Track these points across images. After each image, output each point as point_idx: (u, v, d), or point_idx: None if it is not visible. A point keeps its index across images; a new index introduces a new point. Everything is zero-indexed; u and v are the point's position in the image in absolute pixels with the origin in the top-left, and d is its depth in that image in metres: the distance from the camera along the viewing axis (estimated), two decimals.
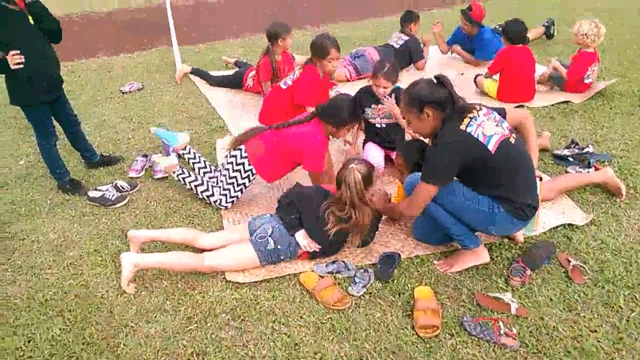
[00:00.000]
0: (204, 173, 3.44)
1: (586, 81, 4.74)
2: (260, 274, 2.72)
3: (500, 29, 5.61)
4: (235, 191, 3.26)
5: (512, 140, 2.50)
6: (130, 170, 3.77)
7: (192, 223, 3.22)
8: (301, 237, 2.77)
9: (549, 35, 6.56)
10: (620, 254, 2.81)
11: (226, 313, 2.51)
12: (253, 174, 3.24)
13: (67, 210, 3.39)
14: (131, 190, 3.54)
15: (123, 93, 5.36)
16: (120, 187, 3.51)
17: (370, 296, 2.58)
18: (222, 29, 7.64)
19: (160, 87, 5.49)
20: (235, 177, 3.23)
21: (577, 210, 3.16)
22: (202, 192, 3.29)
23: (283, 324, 2.43)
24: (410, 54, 5.55)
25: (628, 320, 2.39)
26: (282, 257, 2.75)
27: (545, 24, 6.53)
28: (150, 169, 3.82)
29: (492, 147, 2.40)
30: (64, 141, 3.91)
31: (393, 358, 2.25)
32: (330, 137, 3.26)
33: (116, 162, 3.92)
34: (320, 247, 2.78)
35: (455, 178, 2.58)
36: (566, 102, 4.68)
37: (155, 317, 2.50)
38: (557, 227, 3.02)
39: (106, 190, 3.45)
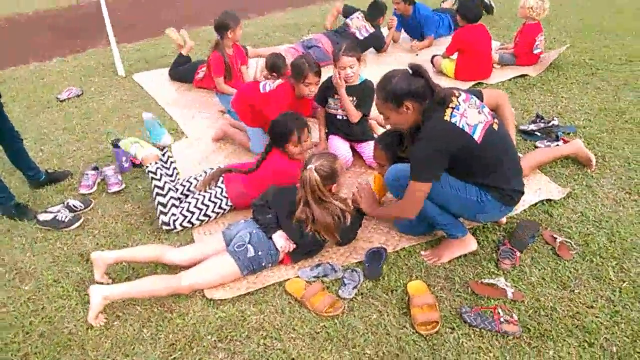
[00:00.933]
0: (169, 189, 3.05)
1: (535, 51, 4.83)
2: (242, 287, 2.54)
3: (454, 8, 5.63)
4: (197, 219, 3.01)
5: (496, 127, 2.42)
6: (81, 187, 3.45)
7: (159, 238, 2.98)
8: (279, 237, 2.61)
9: (488, 10, 6.62)
10: (601, 225, 2.81)
11: (212, 334, 2.31)
12: (227, 209, 3.11)
13: (15, 238, 3.06)
14: (85, 208, 3.24)
15: (61, 101, 4.95)
16: (73, 207, 3.20)
17: (362, 297, 2.45)
18: (161, 24, 7.23)
19: (101, 92, 5.11)
20: (208, 206, 3.03)
21: (553, 185, 3.15)
22: (158, 203, 2.97)
23: (275, 339, 2.27)
24: (374, 45, 5.56)
25: (620, 292, 2.38)
26: (263, 264, 2.58)
27: None
28: (102, 182, 3.51)
29: (478, 136, 2.31)
30: (1, 160, 3.54)
31: None
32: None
33: (64, 179, 3.59)
34: (296, 245, 2.63)
35: None
36: (523, 76, 4.71)
37: (134, 348, 2.27)
38: (536, 204, 2.99)
39: (57, 211, 3.13)
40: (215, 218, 3.10)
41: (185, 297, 2.50)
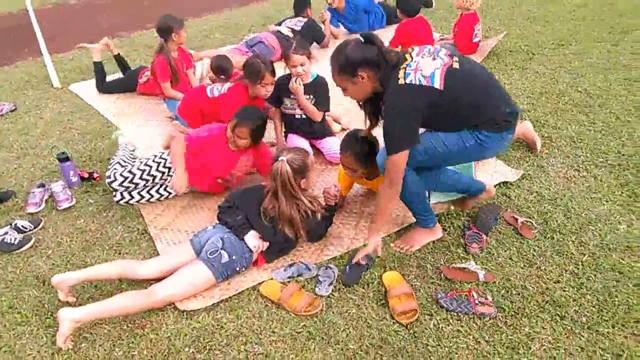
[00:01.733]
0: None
1: (474, 40, 5.00)
2: (215, 294, 2.46)
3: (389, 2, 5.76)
4: (139, 178, 3.14)
5: (456, 65, 2.32)
6: (28, 206, 3.24)
7: (119, 253, 2.84)
8: (251, 237, 2.55)
9: (427, 4, 6.80)
10: (557, 202, 2.93)
11: (188, 346, 2.23)
12: (166, 172, 3.17)
13: None
14: (35, 228, 3.05)
15: None
16: (22, 228, 3.00)
17: (339, 293, 2.44)
18: (94, 31, 6.93)
19: (37, 105, 4.83)
20: (150, 167, 3.15)
21: (507, 168, 3.26)
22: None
23: (256, 344, 2.22)
24: (313, 36, 5.53)
25: (583, 265, 2.49)
26: (237, 269, 2.52)
27: None
28: (51, 199, 3.32)
29: (438, 83, 2.25)
30: None
31: (381, 353, 2.14)
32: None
33: (7, 199, 3.36)
34: (269, 244, 2.59)
35: (427, 131, 2.46)
36: None
37: None
38: (494, 186, 3.08)
39: (5, 233, 2.92)
40: (159, 180, 3.17)
41: (156, 311, 2.40)
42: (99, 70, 4.89)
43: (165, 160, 3.15)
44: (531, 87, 4.32)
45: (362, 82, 2.35)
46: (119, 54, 4.97)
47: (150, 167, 3.12)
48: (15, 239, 2.90)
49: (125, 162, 3.32)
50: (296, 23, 5.49)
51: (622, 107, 3.90)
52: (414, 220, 2.85)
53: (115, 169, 3.19)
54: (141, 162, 3.18)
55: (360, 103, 2.63)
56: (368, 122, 2.70)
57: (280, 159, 2.57)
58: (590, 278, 2.42)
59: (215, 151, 3.11)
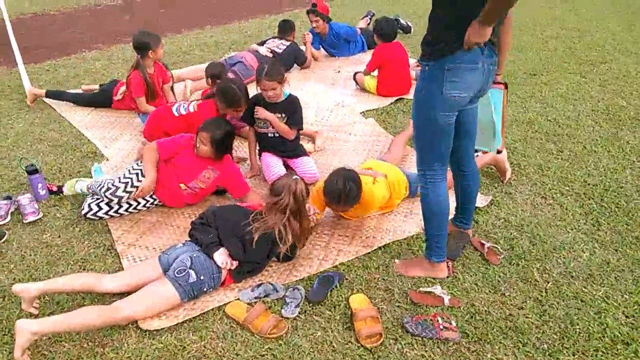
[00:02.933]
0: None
1: None
2: (180, 314, 2.43)
3: (370, 28, 5.90)
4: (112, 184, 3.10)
5: None
6: None
7: (84, 269, 2.79)
8: (219, 255, 2.52)
9: (405, 30, 6.94)
10: (523, 229, 2.99)
11: None
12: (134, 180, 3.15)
13: None
14: None
15: None
16: None
17: (305, 315, 2.43)
18: (72, 44, 6.88)
19: (9, 115, 4.75)
20: (119, 187, 3.10)
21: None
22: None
23: None
24: (295, 58, 5.66)
25: (546, 292, 2.54)
26: (205, 290, 2.49)
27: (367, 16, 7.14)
28: (17, 212, 3.25)
29: None
30: None
31: None
32: None
33: None
34: (239, 263, 2.57)
35: None
36: None
37: None
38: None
39: None
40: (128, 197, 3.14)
41: (118, 329, 2.35)
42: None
43: (132, 178, 3.12)
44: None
45: None
46: (100, 85, 5.02)
47: (118, 187, 3.08)
48: None
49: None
50: (279, 45, 5.55)
51: (590, 137, 4.02)
52: (385, 242, 2.89)
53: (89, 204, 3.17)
54: (111, 181, 3.13)
55: None
56: None
57: (294, 177, 2.67)
58: (553, 305, 2.46)
59: (182, 155, 3.16)
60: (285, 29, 5.74)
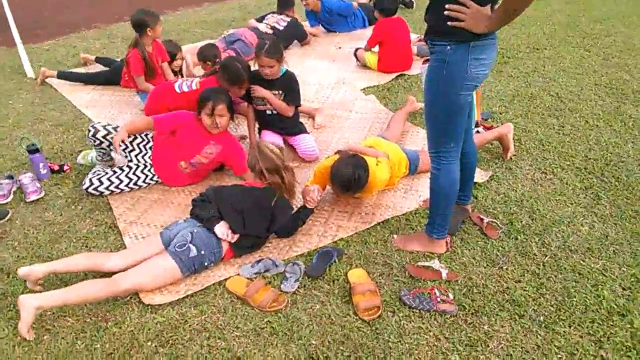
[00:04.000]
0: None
1: None
2: (181, 289, 2.46)
3: (371, 3, 5.83)
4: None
5: None
6: None
7: (86, 246, 2.82)
8: (220, 227, 2.55)
9: (407, 5, 6.86)
10: (523, 204, 2.99)
11: (152, 340, 2.23)
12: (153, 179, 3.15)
13: None
14: (1, 219, 3.01)
15: None
16: None
17: (305, 289, 2.46)
18: (69, 22, 6.84)
19: (10, 95, 4.76)
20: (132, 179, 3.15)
21: (477, 168, 3.30)
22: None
23: (219, 339, 2.23)
24: (296, 35, 5.63)
25: (544, 265, 2.55)
26: (206, 264, 2.52)
27: None
28: (19, 191, 3.28)
29: None
30: None
31: (343, 348, 2.16)
32: None
33: None
34: (239, 236, 2.61)
35: None
36: None
37: None
38: None
39: None
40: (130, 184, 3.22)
41: (120, 304, 2.40)
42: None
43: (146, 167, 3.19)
44: (504, 90, 4.39)
45: None
46: (96, 57, 5.00)
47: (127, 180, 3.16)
48: None
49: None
50: (279, 21, 5.51)
51: (592, 111, 3.99)
52: (384, 218, 2.91)
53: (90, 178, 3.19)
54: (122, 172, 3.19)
55: None
56: None
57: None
58: (551, 278, 2.47)
59: (183, 132, 3.17)
60: (284, 5, 5.68)
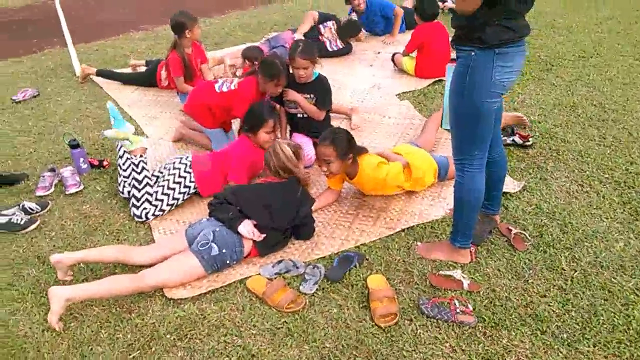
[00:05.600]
0: (146, 184, 3.12)
1: None
2: (203, 285, 2.52)
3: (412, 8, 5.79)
4: (167, 204, 3.08)
5: None
6: (37, 189, 3.37)
7: (118, 240, 2.94)
8: (244, 226, 2.60)
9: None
10: (555, 216, 2.89)
11: (171, 333, 2.29)
12: (190, 192, 3.17)
13: None
14: (42, 210, 3.16)
15: (16, 102, 4.82)
16: (29, 209, 3.12)
17: (323, 292, 2.47)
18: (120, 24, 7.11)
19: (59, 92, 5.00)
20: (174, 188, 3.10)
21: (509, 178, 3.22)
22: (132, 195, 3.07)
23: (236, 336, 2.27)
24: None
25: (572, 281, 2.46)
26: (228, 262, 2.57)
27: None
28: (60, 184, 3.44)
29: None
30: None
31: (356, 354, 2.16)
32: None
33: (19, 181, 3.50)
34: (265, 235, 2.64)
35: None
36: None
37: (91, 349, 2.24)
38: None
39: (12, 214, 3.05)
40: (183, 200, 3.17)
41: (144, 297, 2.48)
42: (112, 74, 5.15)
43: (186, 177, 3.13)
44: (545, 98, 4.26)
45: None
46: (146, 60, 5.24)
47: (174, 189, 3.10)
48: (22, 219, 3.02)
49: (152, 194, 3.07)
50: (332, 43, 5.53)
51: (636, 123, 3.82)
52: (410, 225, 2.88)
53: (144, 208, 3.03)
54: (163, 187, 3.08)
55: None
56: None
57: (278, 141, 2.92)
58: (578, 295, 2.39)
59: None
60: (347, 34, 5.64)
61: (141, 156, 3.11)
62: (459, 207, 2.47)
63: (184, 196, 3.13)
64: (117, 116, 3.23)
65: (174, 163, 3.18)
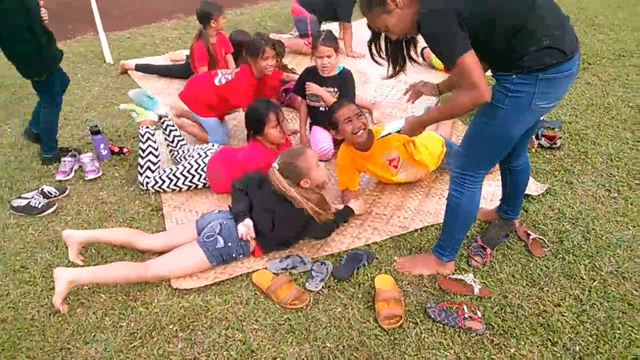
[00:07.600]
0: (180, 144, 3.44)
1: None
2: (209, 277, 2.51)
3: None
4: (168, 186, 3.20)
5: None
6: (57, 173, 3.43)
7: (131, 226, 2.95)
8: (242, 225, 2.54)
9: None
10: (578, 222, 2.76)
11: (173, 324, 2.29)
12: (199, 184, 3.24)
13: None
14: (60, 195, 3.22)
15: None
16: (48, 193, 3.18)
17: (329, 290, 2.43)
18: (152, 12, 7.18)
19: (88, 79, 5.08)
20: (179, 178, 3.19)
21: (531, 180, 3.10)
22: (137, 163, 3.23)
23: (237, 330, 2.25)
24: None
25: (590, 291, 2.34)
26: (234, 255, 2.56)
27: None
28: (80, 169, 3.49)
29: None
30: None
31: (357, 355, 2.11)
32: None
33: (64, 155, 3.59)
34: (264, 237, 2.61)
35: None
36: None
37: (94, 336, 2.26)
38: None
39: (32, 197, 3.11)
40: (186, 190, 3.24)
41: (150, 286, 2.48)
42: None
43: (198, 176, 3.18)
44: (578, 98, 4.07)
45: (397, 9, 1.96)
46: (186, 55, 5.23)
47: (179, 178, 3.18)
48: (40, 203, 3.07)
49: (155, 163, 3.22)
50: None
51: None
52: (424, 225, 2.81)
53: (147, 176, 3.19)
54: (172, 170, 3.19)
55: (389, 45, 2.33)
56: (391, 68, 2.46)
57: (273, 165, 2.65)
58: (595, 306, 2.27)
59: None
60: None
61: (147, 127, 3.21)
62: (453, 223, 2.36)
63: (187, 189, 3.24)
64: (143, 103, 3.34)
65: (206, 151, 3.26)
